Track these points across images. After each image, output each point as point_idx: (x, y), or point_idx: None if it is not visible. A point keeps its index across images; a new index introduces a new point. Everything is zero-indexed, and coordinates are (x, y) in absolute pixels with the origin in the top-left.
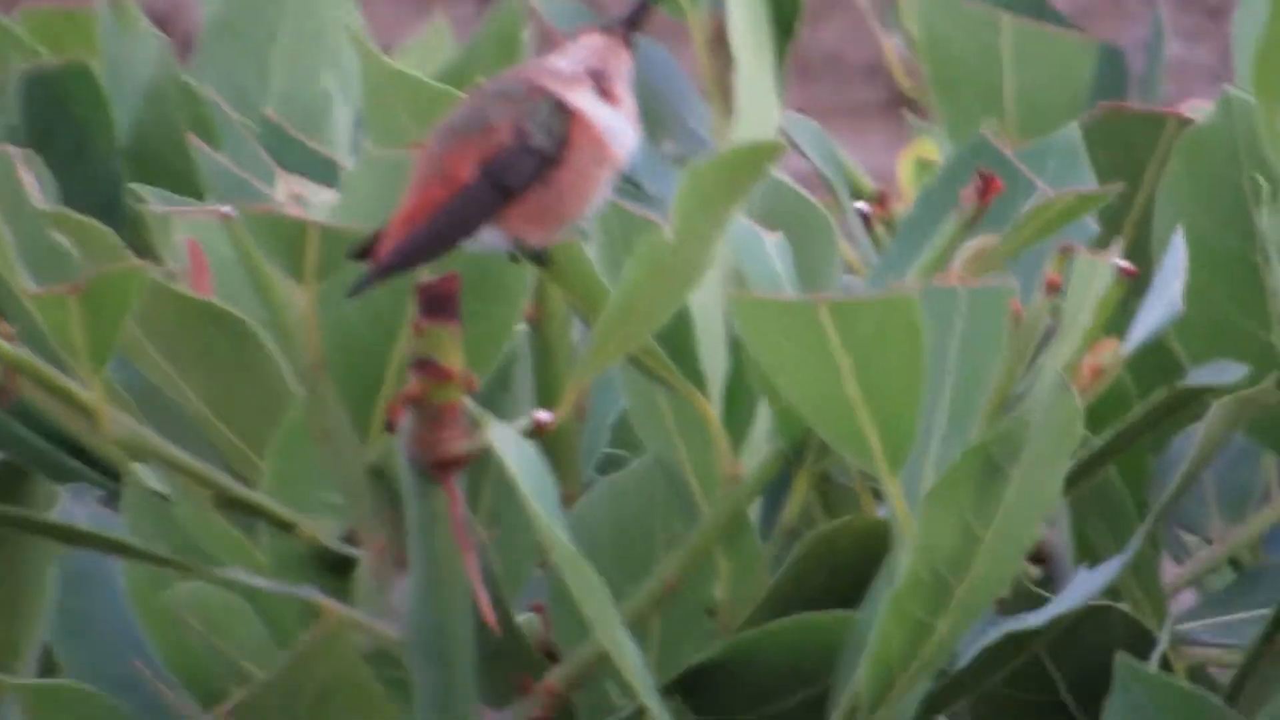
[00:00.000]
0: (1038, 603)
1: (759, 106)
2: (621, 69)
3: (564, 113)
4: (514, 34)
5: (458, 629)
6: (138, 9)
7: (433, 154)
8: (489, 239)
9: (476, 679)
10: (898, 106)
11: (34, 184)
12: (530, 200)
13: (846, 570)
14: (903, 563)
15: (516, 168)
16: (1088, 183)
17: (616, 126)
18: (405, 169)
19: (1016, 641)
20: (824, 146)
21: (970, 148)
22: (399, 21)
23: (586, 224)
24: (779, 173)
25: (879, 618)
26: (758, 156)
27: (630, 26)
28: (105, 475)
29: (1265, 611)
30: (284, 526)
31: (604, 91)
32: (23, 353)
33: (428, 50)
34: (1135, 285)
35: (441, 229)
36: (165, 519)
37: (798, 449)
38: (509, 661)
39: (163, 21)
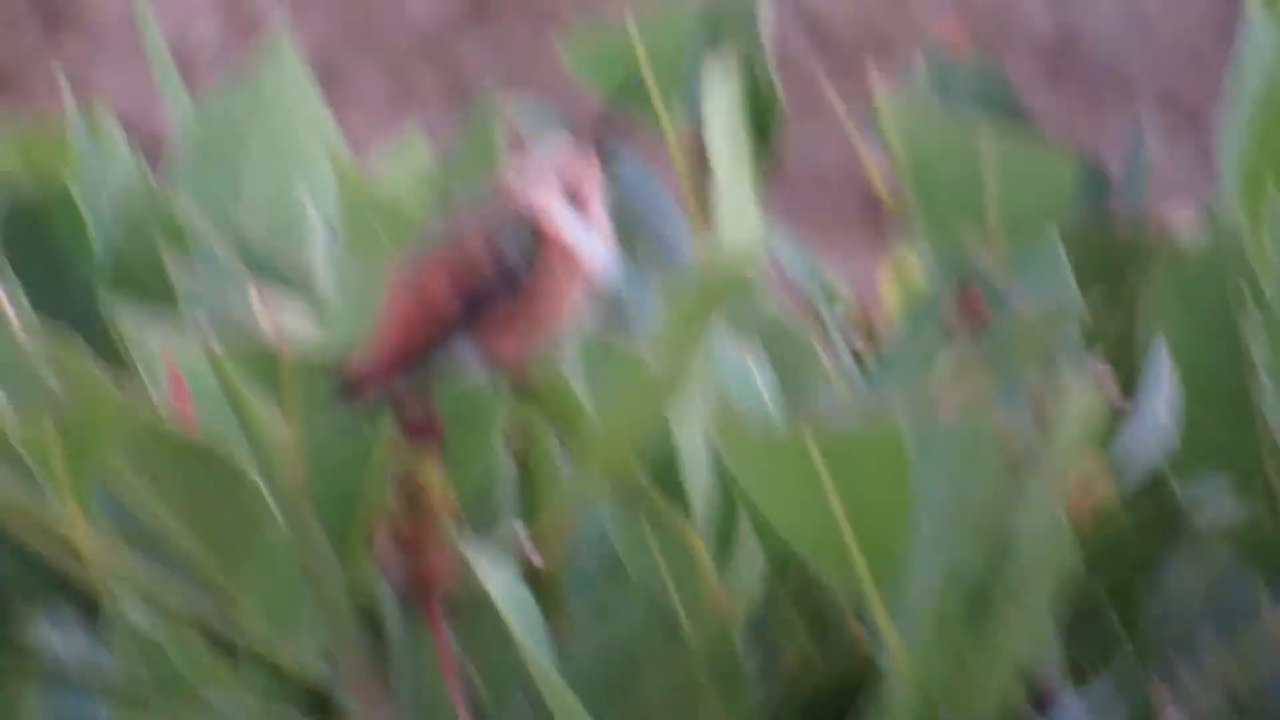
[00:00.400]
0: None
1: (738, 218)
2: (594, 182)
3: (537, 230)
4: (491, 140)
5: None
6: (109, 117)
7: (407, 270)
8: (464, 357)
9: None
10: (877, 214)
11: (9, 303)
12: (504, 318)
13: (829, 694)
14: (893, 692)
15: (491, 288)
16: (1069, 293)
17: (590, 240)
18: (381, 283)
19: None
20: (804, 258)
21: (950, 260)
22: (369, 125)
23: (563, 343)
24: (762, 291)
25: None
26: (737, 268)
27: (601, 137)
28: (83, 602)
29: None
30: (266, 656)
31: (578, 204)
32: (4, 479)
33: (403, 156)
34: (1121, 392)
35: (419, 351)
36: (150, 649)
37: (783, 574)
38: None
39: (131, 125)
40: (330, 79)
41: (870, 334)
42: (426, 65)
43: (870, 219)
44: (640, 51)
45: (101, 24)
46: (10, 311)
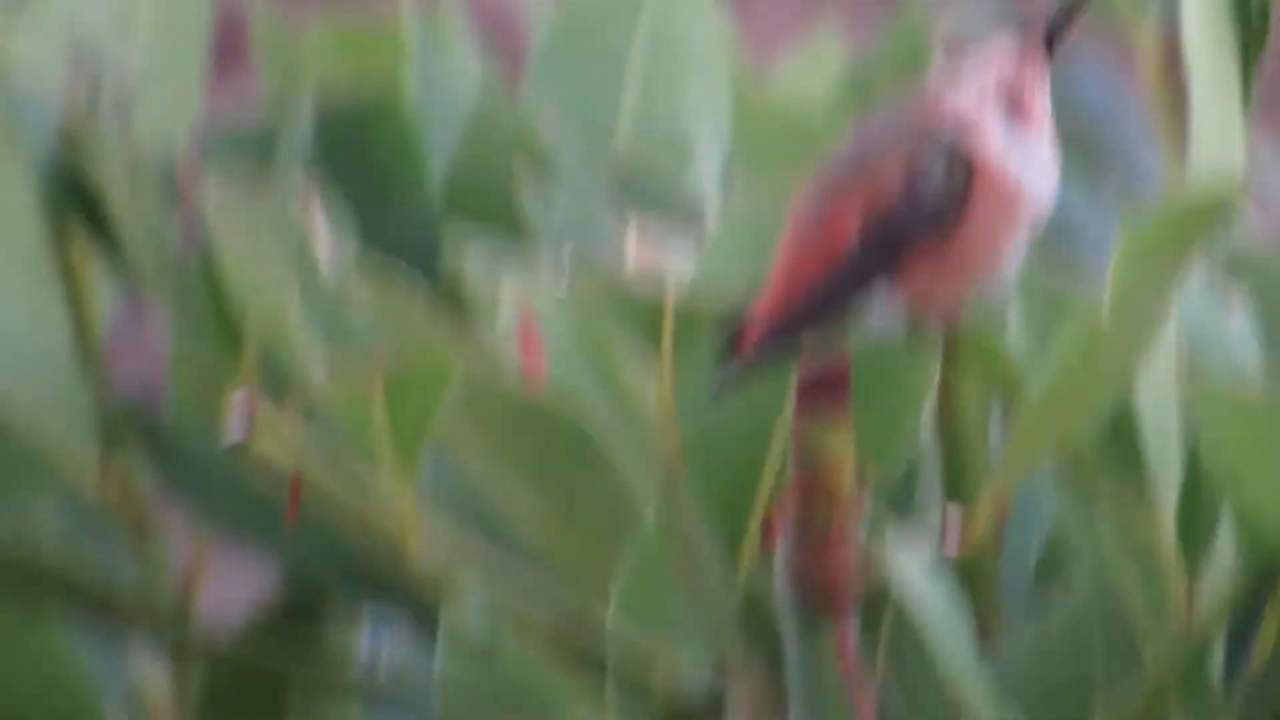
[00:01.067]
0: None
1: (1220, 140)
2: (1041, 90)
3: (964, 155)
4: (919, 43)
5: None
6: (460, 19)
7: (809, 206)
8: (881, 313)
9: None
10: None
11: (327, 234)
12: (927, 262)
13: None
14: None
15: (908, 224)
16: None
17: (1030, 167)
18: (779, 217)
19: None
20: None
21: None
22: (783, 19)
23: (1000, 291)
24: (1246, 222)
25: None
26: (1217, 203)
27: (1054, 35)
28: (412, 602)
29: None
30: (635, 670)
31: (1017, 117)
32: (312, 451)
33: (815, 59)
34: None
35: (823, 301)
36: (489, 659)
37: (1270, 574)
38: None
39: (487, 24)
40: None
41: None
42: None
43: None
44: None
45: None
46: (327, 244)
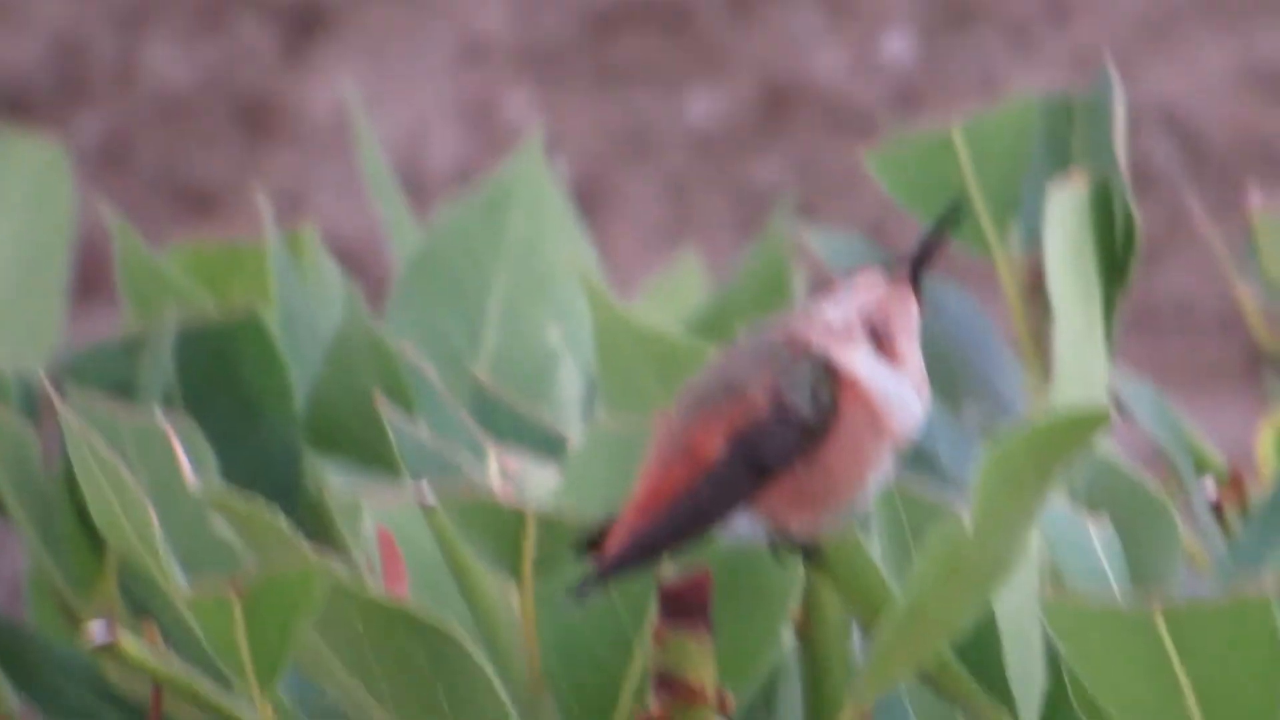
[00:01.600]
0: None
1: (1083, 365)
2: (907, 319)
3: (832, 377)
4: (780, 274)
5: None
6: (320, 243)
7: (675, 425)
8: (744, 528)
9: None
10: (1256, 366)
11: (188, 460)
12: (792, 482)
13: None
14: None
15: (775, 443)
16: None
17: (898, 392)
18: (642, 442)
19: None
20: (1163, 413)
21: None
22: (645, 253)
23: (864, 510)
24: (1108, 446)
25: None
26: (1079, 427)
27: (919, 266)
28: None
29: None
30: None
31: (884, 348)
32: (174, 665)
33: (677, 291)
34: None
35: (685, 516)
36: None
37: None
38: None
39: (353, 262)
40: (597, 197)
41: (1243, 501)
42: (710, 179)
43: (1249, 370)
44: (967, 166)
45: (317, 136)
46: (187, 464)
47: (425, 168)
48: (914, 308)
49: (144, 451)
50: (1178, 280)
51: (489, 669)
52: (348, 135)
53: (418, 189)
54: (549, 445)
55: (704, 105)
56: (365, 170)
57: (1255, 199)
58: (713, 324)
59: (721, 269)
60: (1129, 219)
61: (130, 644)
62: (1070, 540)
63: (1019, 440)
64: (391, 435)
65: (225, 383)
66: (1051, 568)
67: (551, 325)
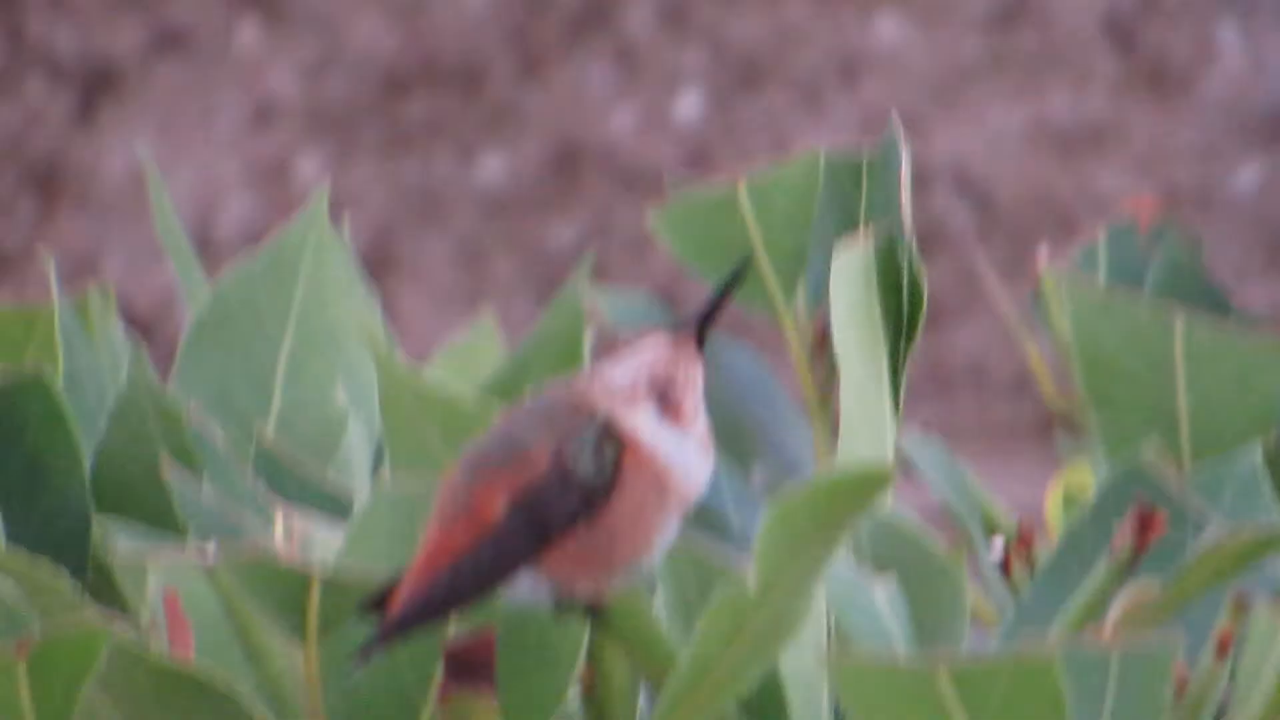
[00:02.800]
0: None
1: (869, 424)
2: (692, 379)
3: (614, 437)
4: (573, 336)
5: None
6: (110, 305)
7: (457, 486)
8: (527, 588)
9: None
10: (1048, 425)
11: None
12: (575, 542)
13: None
14: None
15: (556, 504)
16: (1271, 516)
17: (682, 453)
18: (427, 502)
19: None
20: (952, 472)
21: (1126, 474)
22: (437, 315)
23: (648, 570)
24: (894, 505)
25: None
26: (863, 486)
27: (705, 325)
28: None
29: None
30: None
31: (669, 408)
32: None
33: (473, 355)
34: None
35: (467, 577)
36: None
37: None
38: None
39: (146, 324)
40: (389, 258)
41: (1031, 560)
42: (501, 241)
43: (1040, 429)
44: (752, 225)
45: (110, 198)
46: None
47: (218, 230)
48: (699, 368)
49: None
50: (969, 340)
51: None
52: (141, 197)
53: (210, 251)
54: (335, 506)
55: (495, 166)
56: (159, 232)
57: (1044, 258)
58: (507, 387)
59: (517, 332)
60: (915, 278)
61: None
62: (854, 599)
63: (802, 499)
64: (176, 497)
65: (12, 444)
66: (837, 626)
67: (339, 385)
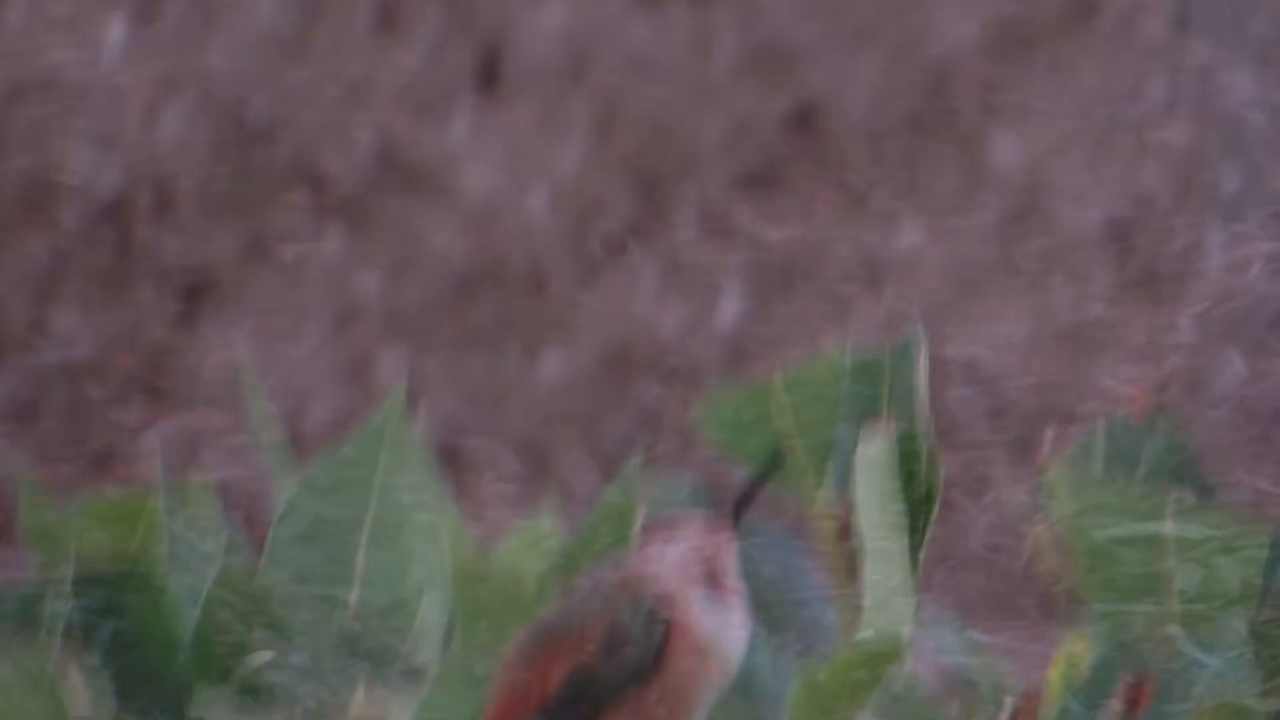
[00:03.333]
0: None
1: (889, 599)
2: (730, 559)
3: (661, 614)
4: (625, 520)
5: None
6: (211, 495)
7: (519, 660)
8: None
9: None
10: (1052, 600)
11: (85, 693)
12: (625, 711)
13: None
14: None
15: (607, 678)
16: (1253, 690)
17: (722, 626)
18: (492, 675)
19: None
20: (964, 643)
21: (1118, 647)
22: (502, 501)
23: None
24: (912, 671)
25: None
26: (883, 656)
27: (740, 510)
28: None
29: None
30: None
31: (710, 586)
32: None
33: (536, 538)
34: None
35: None
36: None
37: None
38: None
39: (241, 509)
40: (459, 448)
41: None
42: (562, 434)
43: (1047, 606)
44: (786, 416)
45: (210, 397)
46: (85, 703)
47: (306, 425)
48: (736, 548)
49: (40, 692)
50: (983, 526)
51: None
52: (238, 394)
53: (300, 443)
54: (410, 677)
55: (556, 363)
56: (253, 426)
57: (1048, 446)
58: (568, 566)
59: (576, 516)
60: (932, 465)
61: None
62: None
63: (830, 668)
64: (263, 670)
65: (121, 619)
66: None
67: (414, 568)
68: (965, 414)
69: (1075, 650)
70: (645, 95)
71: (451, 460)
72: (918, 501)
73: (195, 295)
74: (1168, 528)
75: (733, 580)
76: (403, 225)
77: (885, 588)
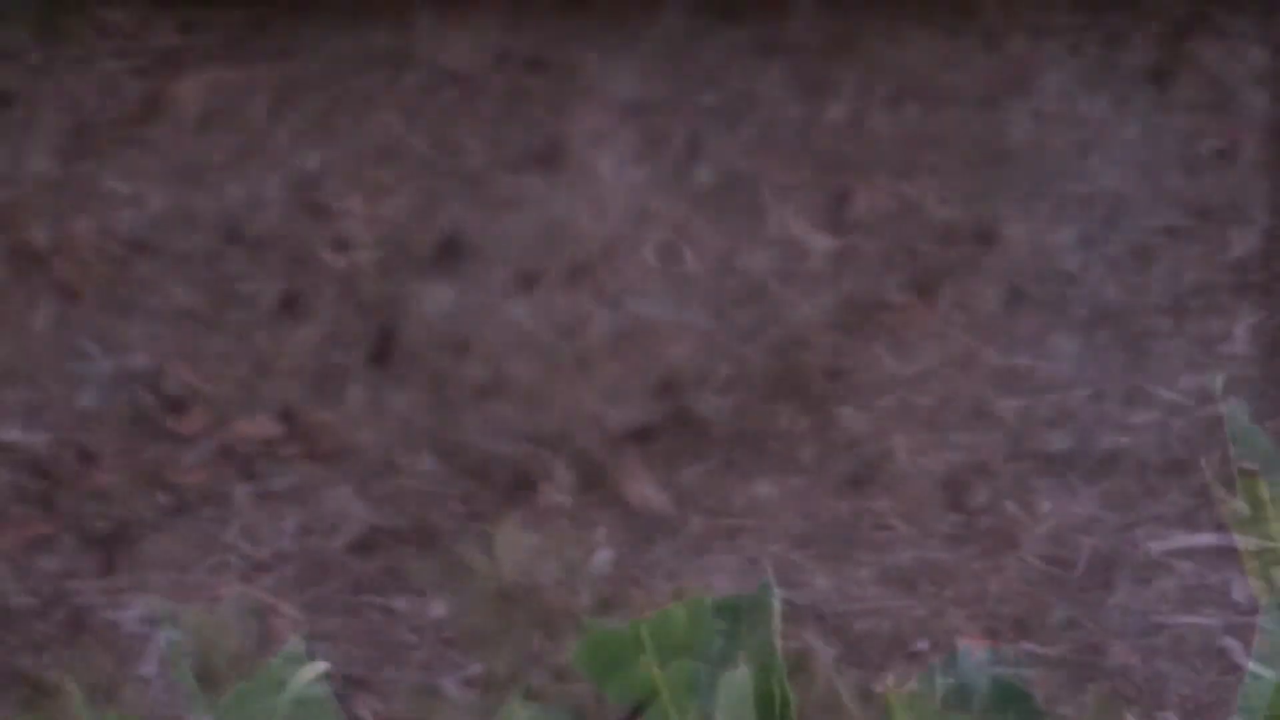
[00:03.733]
0: None
1: None
2: None
3: None
4: None
5: None
6: None
7: None
8: None
9: None
10: None
11: None
12: None
13: None
14: None
15: None
16: None
17: None
18: None
19: None
20: None
21: None
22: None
23: None
24: None
25: None
26: None
27: None
28: None
29: None
30: None
31: None
32: None
33: None
34: None
35: None
36: None
37: None
38: None
39: None
40: (356, 687)
41: None
42: (450, 671)
43: None
44: (651, 657)
45: (126, 644)
46: None
47: (219, 660)
48: None
49: None
50: None
51: None
52: (154, 639)
53: (214, 678)
54: None
55: (444, 609)
56: (170, 668)
57: (889, 681)
58: None
59: None
60: (785, 701)
61: None
62: None
63: None
64: None
65: None
66: None
67: None
68: (816, 652)
69: None
70: (524, 368)
71: (349, 696)
72: None
73: (115, 550)
74: None
75: None
76: (303, 487)
77: None
